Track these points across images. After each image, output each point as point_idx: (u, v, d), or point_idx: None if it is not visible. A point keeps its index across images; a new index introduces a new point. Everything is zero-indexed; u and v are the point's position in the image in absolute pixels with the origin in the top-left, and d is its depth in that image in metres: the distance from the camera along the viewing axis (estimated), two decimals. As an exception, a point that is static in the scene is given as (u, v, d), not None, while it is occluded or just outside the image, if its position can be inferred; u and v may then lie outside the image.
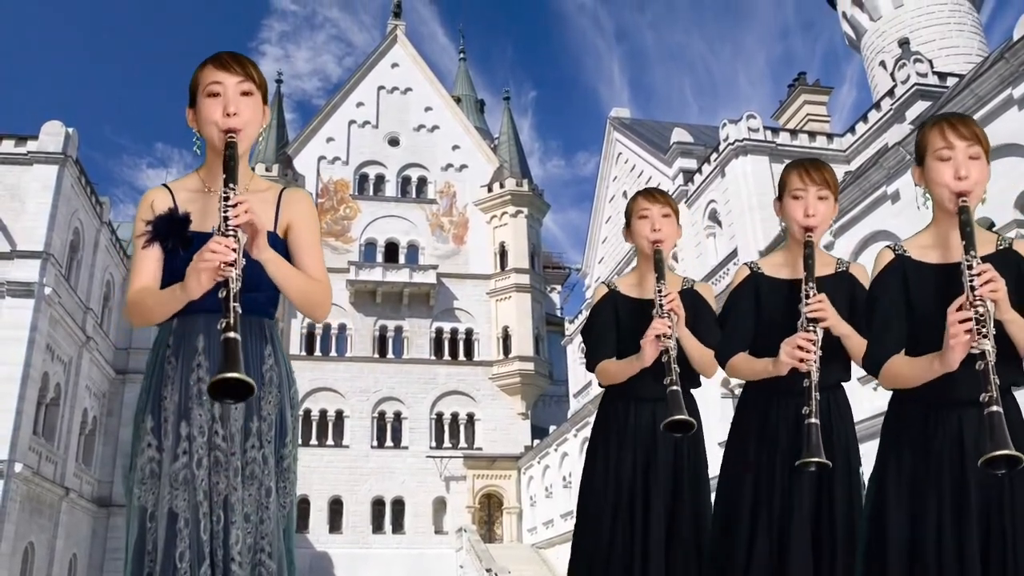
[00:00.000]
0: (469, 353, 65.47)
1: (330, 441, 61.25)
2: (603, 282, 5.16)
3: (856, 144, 39.66)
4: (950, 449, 3.41)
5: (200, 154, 3.69)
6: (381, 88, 72.50)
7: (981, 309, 3.22)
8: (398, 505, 60.52)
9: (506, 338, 64.93)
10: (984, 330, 3.19)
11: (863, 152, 38.16)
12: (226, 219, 3.22)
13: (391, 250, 67.48)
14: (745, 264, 4.62)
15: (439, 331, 65.58)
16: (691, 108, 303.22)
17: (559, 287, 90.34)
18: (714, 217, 42.22)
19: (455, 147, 71.17)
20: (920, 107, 33.89)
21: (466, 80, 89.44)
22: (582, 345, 5.14)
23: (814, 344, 4.03)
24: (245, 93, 3.56)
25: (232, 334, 3.08)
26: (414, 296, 65.04)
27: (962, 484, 3.38)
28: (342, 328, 64.26)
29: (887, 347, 3.57)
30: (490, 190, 69.31)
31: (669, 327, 4.55)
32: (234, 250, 3.17)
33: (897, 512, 3.49)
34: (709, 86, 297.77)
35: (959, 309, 3.23)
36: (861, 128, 39.94)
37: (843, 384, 4.44)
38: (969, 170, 3.51)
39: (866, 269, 4.49)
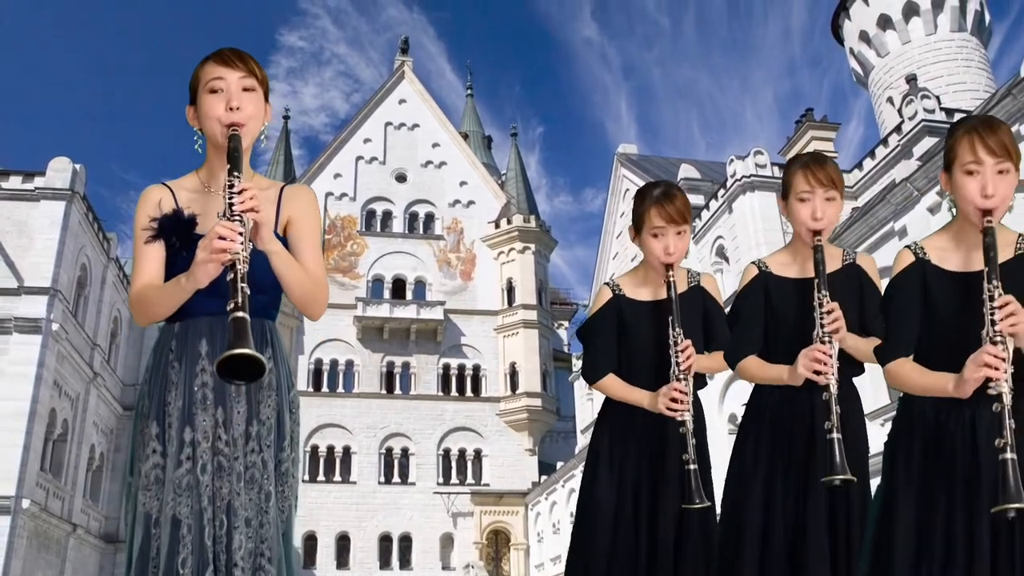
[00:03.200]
0: (476, 389, 65.38)
1: (337, 477, 61.14)
2: (606, 283, 4.95)
3: (863, 180, 39.66)
4: (962, 446, 3.39)
5: (201, 152, 3.64)
6: (388, 124, 72.71)
7: (1001, 348, 3.21)
8: (405, 541, 60.33)
9: (513, 374, 64.82)
10: (1004, 370, 3.19)
11: (871, 188, 38.17)
12: (231, 205, 3.18)
13: (398, 286, 67.52)
14: (752, 263, 4.58)
15: (446, 367, 65.50)
16: (698, 144, 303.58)
17: (566, 323, 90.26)
18: (721, 253, 42.21)
19: (462, 183, 71.31)
20: (928, 143, 33.89)
21: (473, 116, 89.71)
22: (579, 356, 4.83)
23: (831, 356, 3.99)
24: (247, 89, 3.50)
25: (241, 313, 3.04)
26: (421, 332, 65.05)
27: (974, 480, 3.36)
28: (349, 364, 64.28)
29: (898, 346, 3.56)
30: (497, 226, 69.41)
31: (686, 393, 4.43)
32: (240, 233, 3.13)
33: (906, 507, 3.47)
34: (716, 122, 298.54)
35: (990, 351, 3.21)
36: (868, 164, 39.96)
37: (854, 379, 4.41)
38: (997, 187, 3.45)
39: (874, 260, 4.52)
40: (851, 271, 4.44)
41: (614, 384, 4.72)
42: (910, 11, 50.90)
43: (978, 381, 3.22)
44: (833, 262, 4.41)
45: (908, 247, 3.70)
